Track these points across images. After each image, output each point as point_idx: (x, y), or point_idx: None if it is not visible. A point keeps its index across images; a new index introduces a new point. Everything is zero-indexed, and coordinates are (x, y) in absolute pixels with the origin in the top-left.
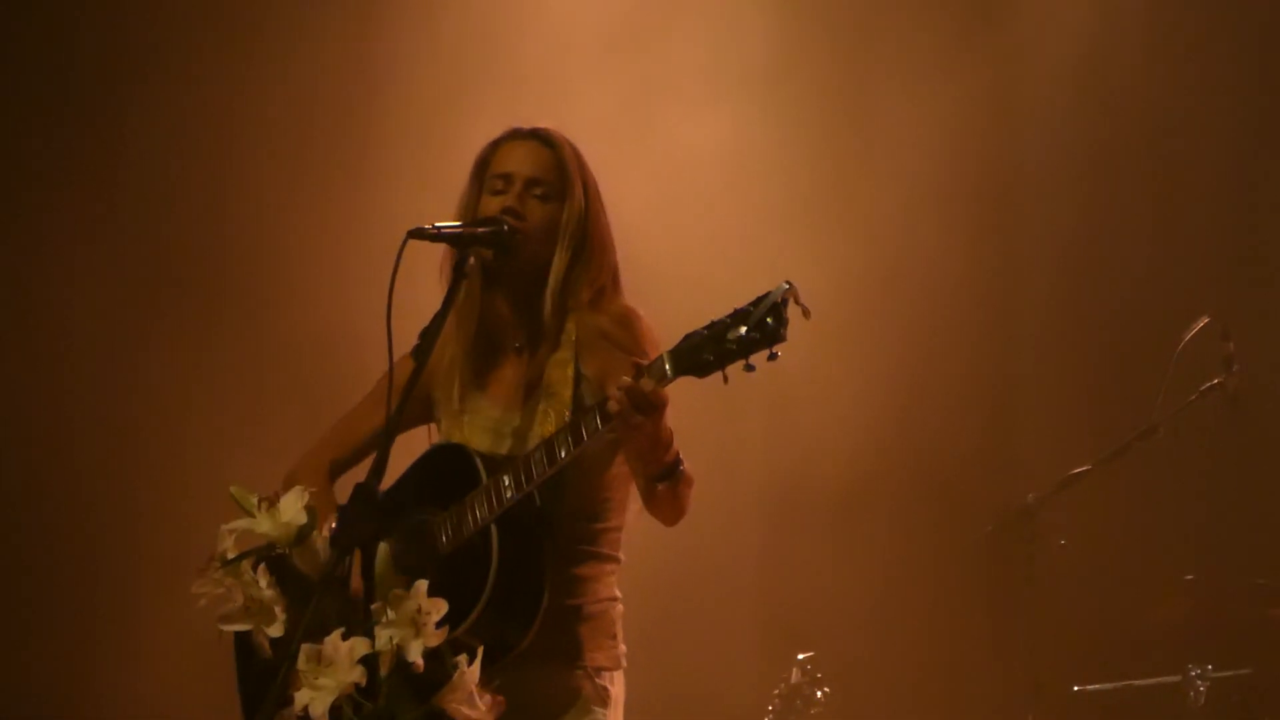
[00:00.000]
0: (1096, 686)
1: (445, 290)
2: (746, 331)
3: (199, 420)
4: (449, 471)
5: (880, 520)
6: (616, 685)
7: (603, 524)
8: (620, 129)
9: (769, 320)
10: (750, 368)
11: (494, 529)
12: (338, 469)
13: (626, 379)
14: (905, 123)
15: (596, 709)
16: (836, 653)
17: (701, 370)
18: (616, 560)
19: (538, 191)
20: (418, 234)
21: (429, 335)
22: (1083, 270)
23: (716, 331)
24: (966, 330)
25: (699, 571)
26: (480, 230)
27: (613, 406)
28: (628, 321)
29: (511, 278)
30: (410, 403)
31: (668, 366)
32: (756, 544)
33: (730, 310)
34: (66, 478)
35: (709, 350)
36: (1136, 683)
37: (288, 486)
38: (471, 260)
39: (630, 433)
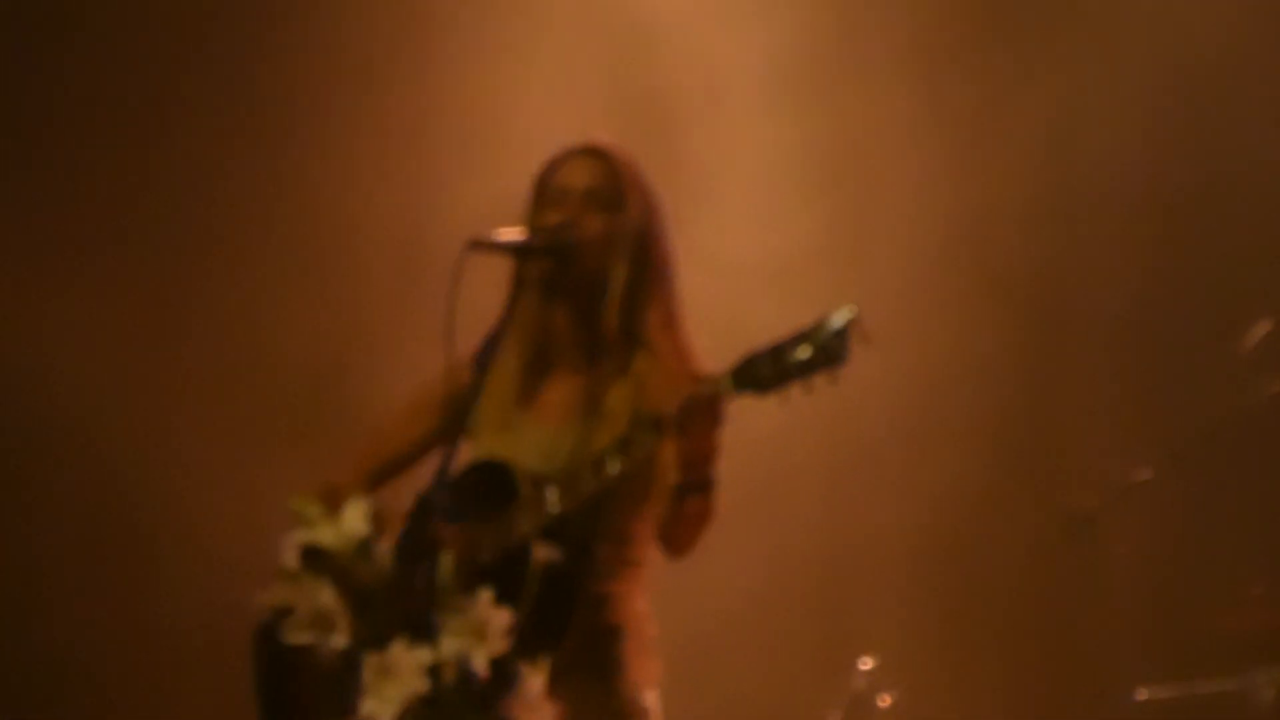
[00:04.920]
0: (1160, 693)
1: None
2: (809, 353)
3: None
4: (490, 485)
5: (941, 525)
6: (654, 703)
7: (636, 552)
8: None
9: (832, 343)
10: (810, 389)
11: (534, 547)
12: (376, 480)
13: (688, 391)
14: (960, 121)
15: None
16: (899, 660)
17: (761, 388)
18: (646, 581)
19: (595, 202)
20: (478, 245)
21: (491, 344)
22: (1145, 275)
23: (778, 351)
24: (1028, 334)
25: (759, 578)
26: (540, 239)
27: (671, 411)
28: (689, 362)
29: (571, 290)
30: (443, 420)
31: (729, 383)
32: (816, 549)
33: (792, 331)
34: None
35: (769, 369)
36: (1200, 689)
37: (327, 498)
38: (531, 270)
39: (686, 439)
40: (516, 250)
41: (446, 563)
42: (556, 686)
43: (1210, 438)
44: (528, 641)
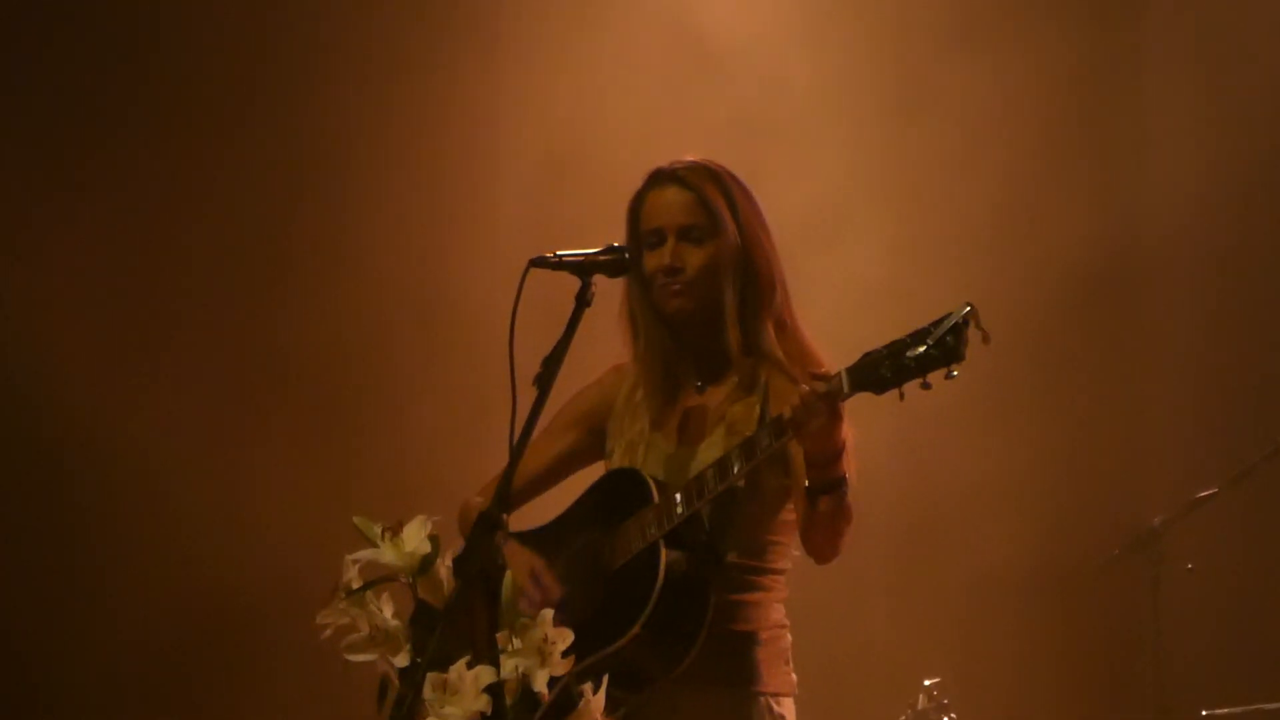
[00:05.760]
0: (1225, 711)
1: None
2: (925, 350)
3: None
4: (622, 494)
5: (1005, 542)
6: (790, 712)
7: (769, 563)
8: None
9: (948, 339)
10: (927, 385)
11: (662, 549)
12: (517, 497)
13: (804, 387)
14: (1025, 125)
15: None
16: (963, 677)
17: (879, 386)
18: (783, 592)
19: (691, 237)
20: (539, 262)
21: (551, 363)
22: (1212, 291)
23: (895, 349)
24: (1092, 348)
25: (822, 595)
26: (602, 257)
27: (788, 413)
28: (812, 364)
29: (686, 321)
30: (580, 436)
31: (845, 382)
32: (882, 567)
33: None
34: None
35: (886, 367)
36: (1266, 706)
37: (464, 518)
38: (591, 289)
39: (808, 439)
40: (577, 267)
41: (509, 581)
42: (692, 694)
43: (1275, 453)
44: (661, 648)
